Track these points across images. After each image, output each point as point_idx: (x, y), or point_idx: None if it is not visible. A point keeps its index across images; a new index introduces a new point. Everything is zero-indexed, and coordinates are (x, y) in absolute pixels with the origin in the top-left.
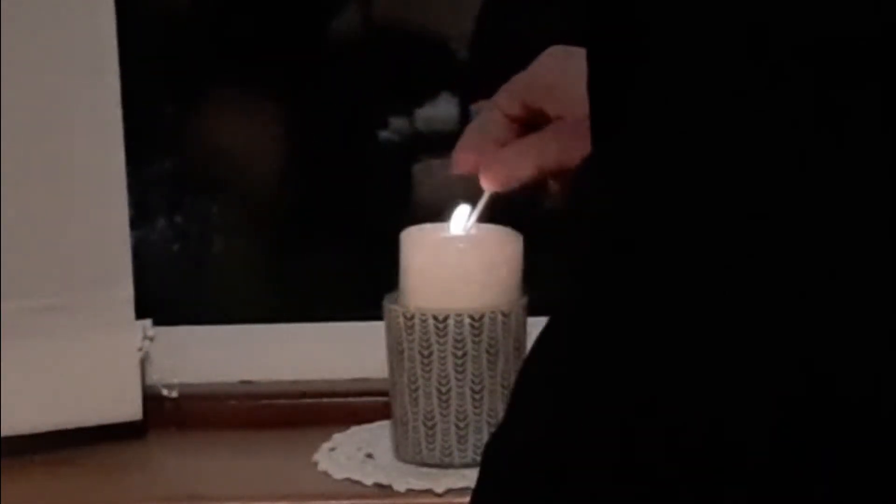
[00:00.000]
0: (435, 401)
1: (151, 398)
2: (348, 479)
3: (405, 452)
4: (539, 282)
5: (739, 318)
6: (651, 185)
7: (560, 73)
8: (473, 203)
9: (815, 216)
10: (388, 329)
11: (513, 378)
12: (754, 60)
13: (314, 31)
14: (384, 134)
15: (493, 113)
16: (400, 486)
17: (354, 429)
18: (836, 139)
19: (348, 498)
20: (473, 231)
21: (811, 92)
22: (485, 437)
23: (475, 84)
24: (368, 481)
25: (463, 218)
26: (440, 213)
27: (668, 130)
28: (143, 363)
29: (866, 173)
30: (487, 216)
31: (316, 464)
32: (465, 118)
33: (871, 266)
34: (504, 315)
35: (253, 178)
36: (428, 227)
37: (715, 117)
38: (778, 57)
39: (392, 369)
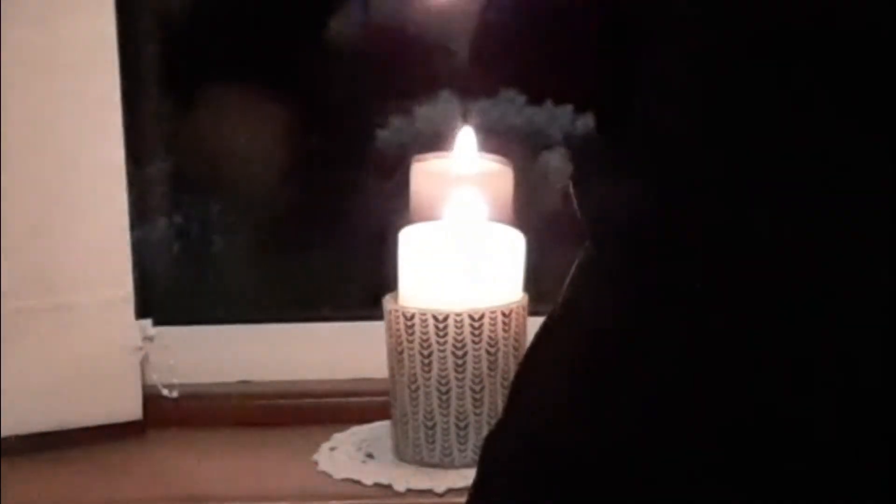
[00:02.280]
0: (435, 401)
1: (151, 398)
2: (348, 479)
3: (405, 452)
4: (539, 282)
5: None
6: (658, 178)
7: None
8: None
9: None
10: (388, 329)
11: (513, 377)
12: (759, 51)
13: (314, 31)
14: (384, 134)
15: None
16: (400, 486)
17: (354, 429)
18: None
19: (348, 498)
20: (474, 231)
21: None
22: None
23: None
24: (368, 481)
25: (461, 216)
26: (440, 214)
27: (674, 124)
28: (143, 363)
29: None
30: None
31: (316, 464)
32: (465, 118)
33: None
34: (504, 315)
35: (252, 178)
36: (428, 225)
37: (722, 111)
38: (781, 50)
39: (392, 369)
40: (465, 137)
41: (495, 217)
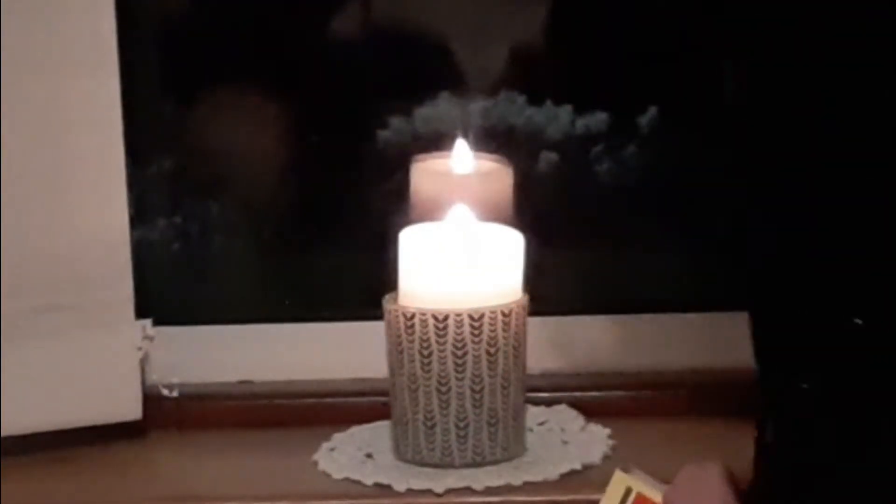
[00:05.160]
0: (435, 401)
1: (151, 398)
2: (348, 479)
3: (405, 452)
4: (539, 282)
5: None
6: None
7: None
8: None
9: None
10: (388, 329)
11: (513, 377)
12: None
13: (314, 31)
14: (384, 134)
15: None
16: (400, 486)
17: (354, 429)
18: None
19: (348, 498)
20: (474, 231)
21: None
22: (485, 437)
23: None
24: (368, 481)
25: (461, 216)
26: (440, 214)
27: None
28: (143, 363)
29: None
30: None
31: (316, 464)
32: (465, 118)
33: None
34: (504, 315)
35: (253, 178)
36: (428, 226)
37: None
38: None
39: (392, 369)
40: (464, 145)
41: (495, 217)
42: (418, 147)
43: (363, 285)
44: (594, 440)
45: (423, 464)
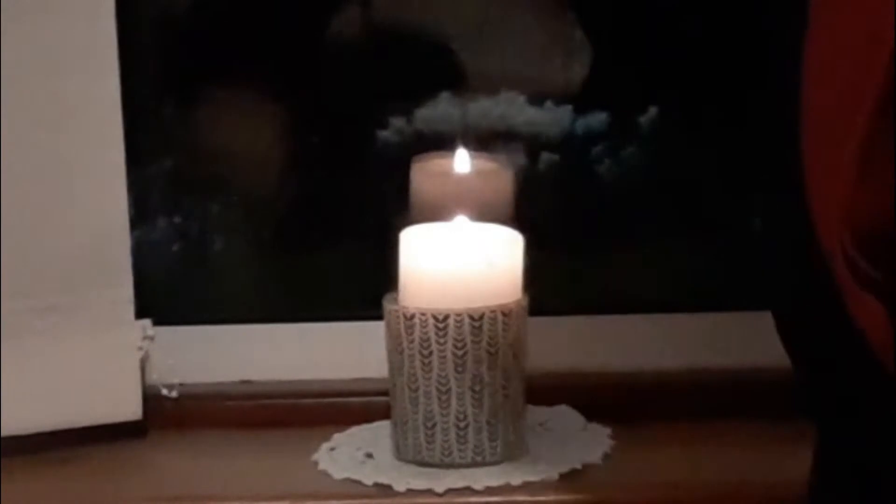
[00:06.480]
0: (435, 401)
1: (151, 398)
2: (348, 479)
3: (405, 452)
4: (539, 282)
5: None
6: None
7: None
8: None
9: None
10: (388, 329)
11: (513, 377)
12: None
13: (314, 31)
14: (384, 134)
15: None
16: (400, 486)
17: (354, 429)
18: None
19: (348, 498)
20: (474, 231)
21: None
22: (485, 437)
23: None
24: (368, 481)
25: (462, 223)
26: (440, 214)
27: None
28: (143, 363)
29: None
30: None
31: (316, 464)
32: (465, 118)
33: None
34: (504, 315)
35: (253, 177)
36: (428, 226)
37: None
38: None
39: (392, 369)
40: (464, 145)
41: (495, 217)
42: (418, 147)
43: (363, 285)
44: (594, 440)
45: (423, 464)
